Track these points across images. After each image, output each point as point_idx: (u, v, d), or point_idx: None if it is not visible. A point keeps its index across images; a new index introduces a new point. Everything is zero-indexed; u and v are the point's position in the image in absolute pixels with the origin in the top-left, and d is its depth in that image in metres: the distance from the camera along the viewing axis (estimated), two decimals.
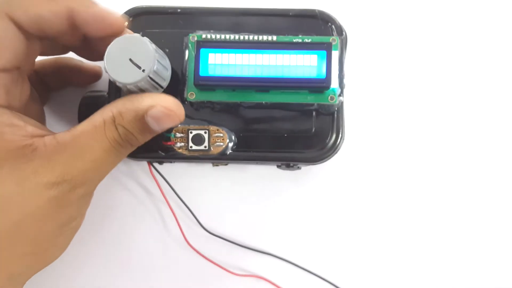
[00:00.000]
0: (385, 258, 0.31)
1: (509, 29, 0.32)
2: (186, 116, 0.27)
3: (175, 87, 0.27)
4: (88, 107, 0.28)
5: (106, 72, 0.23)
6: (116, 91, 0.27)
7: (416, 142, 0.31)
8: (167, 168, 0.29)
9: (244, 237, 0.30)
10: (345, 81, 0.27)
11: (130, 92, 0.24)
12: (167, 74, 0.25)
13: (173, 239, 0.30)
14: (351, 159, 0.31)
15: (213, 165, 0.30)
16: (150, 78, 0.23)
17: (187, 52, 0.27)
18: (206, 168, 0.31)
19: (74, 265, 0.30)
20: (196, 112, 0.27)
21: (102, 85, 0.31)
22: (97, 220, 0.31)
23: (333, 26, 0.28)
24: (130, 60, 0.22)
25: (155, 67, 0.23)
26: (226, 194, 0.31)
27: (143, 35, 0.23)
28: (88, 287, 0.30)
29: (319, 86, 0.25)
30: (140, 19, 0.28)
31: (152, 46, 0.23)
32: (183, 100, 0.27)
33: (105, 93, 0.28)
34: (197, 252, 0.30)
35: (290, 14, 0.28)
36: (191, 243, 0.30)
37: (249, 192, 0.31)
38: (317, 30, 0.27)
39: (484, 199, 0.31)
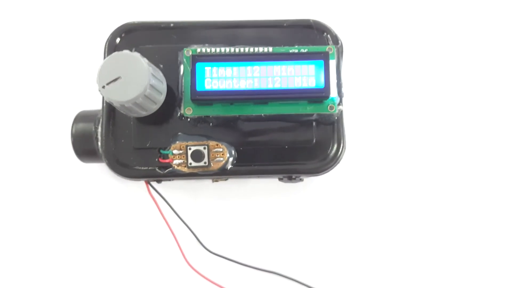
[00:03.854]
0: (394, 272, 0.30)
1: (503, 35, 0.33)
2: (184, 132, 0.27)
3: (171, 103, 0.26)
4: (83, 119, 0.28)
5: (101, 93, 0.22)
6: (110, 111, 0.26)
7: (417, 148, 0.31)
8: (165, 185, 0.28)
9: (246, 254, 0.30)
10: (343, 90, 0.26)
11: (126, 109, 0.23)
12: (163, 88, 0.24)
13: (173, 260, 0.29)
14: (353, 169, 0.30)
15: (213, 181, 0.29)
16: (147, 93, 0.22)
17: (182, 67, 0.26)
18: (205, 184, 0.30)
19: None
20: (194, 128, 0.27)
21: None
22: (94, 242, 0.30)
23: (328, 35, 0.27)
24: (124, 76, 0.22)
25: (150, 82, 0.22)
26: (227, 211, 0.30)
27: (135, 51, 0.23)
28: None
29: (318, 96, 0.25)
30: (133, 35, 0.27)
31: (144, 61, 0.22)
32: (181, 116, 0.26)
33: (99, 111, 0.27)
34: (198, 273, 0.29)
35: (285, 25, 0.27)
36: (191, 263, 0.29)
37: (250, 207, 0.30)
38: (313, 40, 0.27)
39: (488, 207, 0.31)
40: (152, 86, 0.23)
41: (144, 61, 0.22)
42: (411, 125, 0.31)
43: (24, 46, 0.33)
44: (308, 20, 0.27)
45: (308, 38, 0.27)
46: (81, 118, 0.28)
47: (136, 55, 0.22)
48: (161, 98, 0.24)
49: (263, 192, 0.30)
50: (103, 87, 0.22)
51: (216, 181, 0.29)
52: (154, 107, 0.24)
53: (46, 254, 0.30)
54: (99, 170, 0.30)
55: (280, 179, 0.28)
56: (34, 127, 0.32)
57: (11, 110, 0.32)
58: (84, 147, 0.27)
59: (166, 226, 0.28)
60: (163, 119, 0.27)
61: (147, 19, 0.28)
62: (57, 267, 0.30)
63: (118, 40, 0.27)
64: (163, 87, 0.24)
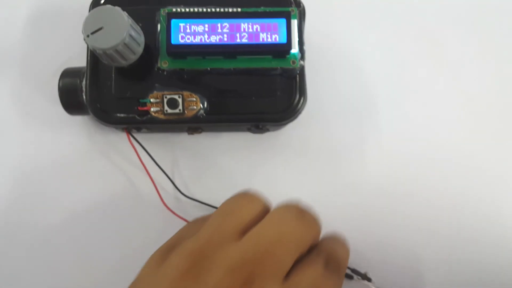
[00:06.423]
0: (357, 207, 0.33)
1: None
2: (161, 84, 0.29)
3: (149, 59, 0.29)
4: (69, 74, 0.30)
5: (86, 42, 0.25)
6: (94, 63, 0.29)
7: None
8: (143, 138, 0.31)
9: (219, 198, 0.32)
10: (305, 48, 0.29)
11: (108, 58, 0.26)
12: (141, 40, 0.27)
13: (150, 203, 0.32)
14: (312, 120, 0.34)
15: (188, 134, 0.32)
16: (127, 42, 0.25)
17: (159, 26, 0.29)
18: (181, 138, 0.33)
19: (56, 230, 0.32)
20: (169, 81, 0.29)
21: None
22: (75, 189, 0.33)
23: (292, 0, 0.30)
24: (106, 27, 0.25)
25: (129, 32, 0.25)
26: (203, 161, 0.33)
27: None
28: (66, 247, 0.32)
29: (280, 49, 0.28)
30: None
31: (124, 14, 0.25)
32: (158, 69, 0.29)
33: (84, 67, 0.30)
34: (174, 213, 0.31)
35: None
36: (169, 205, 0.31)
37: (223, 157, 0.33)
38: (277, 3, 0.30)
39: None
40: (131, 36, 0.25)
41: (124, 14, 0.25)
42: (368, 77, 0.35)
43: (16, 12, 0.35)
44: None
45: (273, 2, 0.30)
46: (67, 73, 0.31)
47: (117, 8, 0.25)
48: (140, 49, 0.27)
49: (235, 143, 0.33)
50: (88, 36, 0.25)
51: (192, 133, 0.32)
52: (133, 57, 0.27)
53: (33, 197, 0.33)
54: (84, 122, 0.33)
55: (248, 129, 0.31)
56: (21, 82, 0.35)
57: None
58: (70, 99, 0.30)
59: (145, 172, 0.31)
60: (142, 73, 0.29)
61: None
62: (42, 208, 0.33)
63: (102, 1, 0.30)
64: (141, 39, 0.27)
